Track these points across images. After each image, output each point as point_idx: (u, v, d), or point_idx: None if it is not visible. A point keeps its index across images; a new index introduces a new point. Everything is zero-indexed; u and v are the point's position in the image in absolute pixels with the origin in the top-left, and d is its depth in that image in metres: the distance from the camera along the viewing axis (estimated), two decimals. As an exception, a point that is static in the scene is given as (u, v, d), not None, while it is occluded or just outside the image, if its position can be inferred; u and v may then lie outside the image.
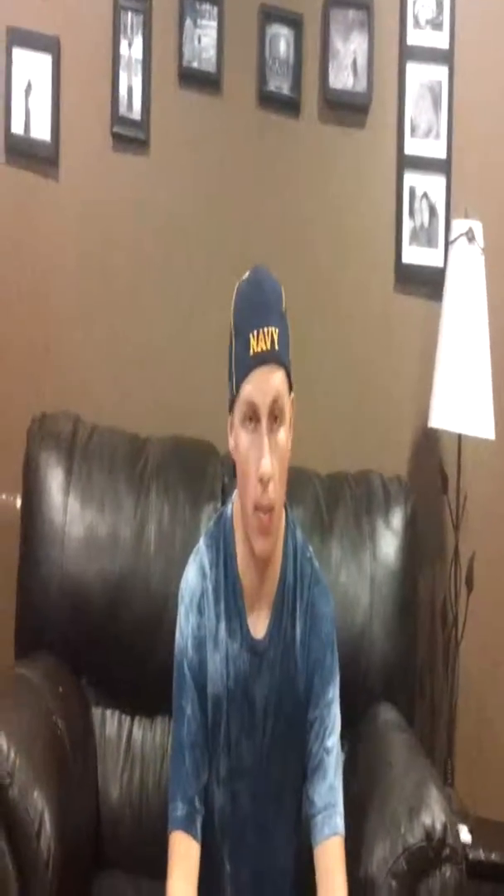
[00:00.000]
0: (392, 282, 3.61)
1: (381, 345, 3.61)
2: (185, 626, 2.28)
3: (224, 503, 2.98)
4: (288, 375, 2.21)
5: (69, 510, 3.09)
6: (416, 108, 3.59)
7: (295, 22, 3.57)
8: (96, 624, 3.04)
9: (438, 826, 2.32)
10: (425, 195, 3.58)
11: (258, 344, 2.14)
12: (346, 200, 3.61)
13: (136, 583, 3.05)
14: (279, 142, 3.60)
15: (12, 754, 2.39)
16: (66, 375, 3.56)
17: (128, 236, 3.61)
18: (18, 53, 3.54)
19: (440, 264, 3.53)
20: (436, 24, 3.59)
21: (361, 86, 3.58)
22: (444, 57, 3.60)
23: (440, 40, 3.59)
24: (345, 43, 3.57)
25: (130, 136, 3.58)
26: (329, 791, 2.25)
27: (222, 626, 2.28)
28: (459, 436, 3.39)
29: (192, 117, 3.60)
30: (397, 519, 3.17)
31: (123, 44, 3.53)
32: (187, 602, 2.29)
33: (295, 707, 2.30)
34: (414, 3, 3.58)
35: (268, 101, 3.58)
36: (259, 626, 2.31)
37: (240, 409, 2.17)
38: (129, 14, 3.53)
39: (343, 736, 2.57)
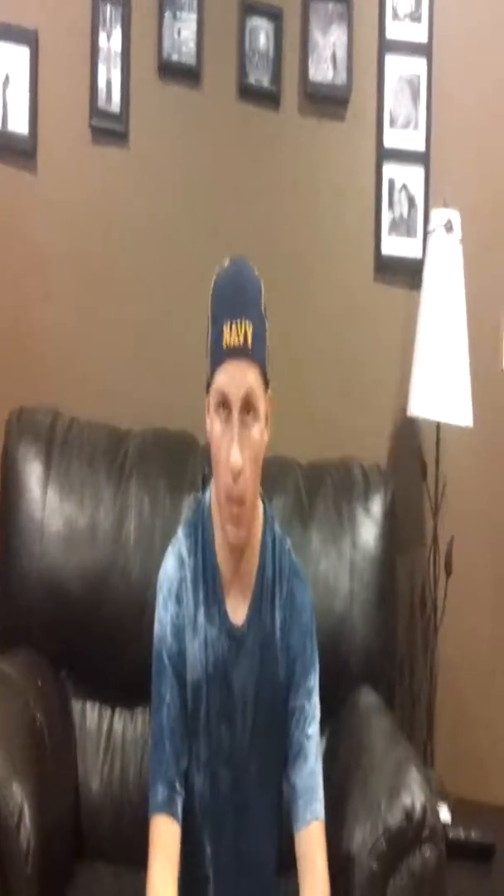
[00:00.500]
0: (372, 272, 3.63)
1: (360, 335, 3.62)
2: (163, 615, 2.28)
3: (204, 492, 3.02)
4: (263, 373, 2.19)
5: (48, 504, 3.08)
6: (396, 100, 3.60)
7: (274, 15, 3.57)
8: (76, 617, 3.03)
9: (418, 806, 2.33)
10: (404, 186, 3.59)
11: (231, 337, 2.13)
12: (326, 192, 3.62)
13: (116, 575, 3.04)
14: (259, 134, 3.61)
15: (-10, 749, 2.43)
16: (44, 369, 3.55)
17: (107, 230, 3.60)
18: (-4, 46, 3.54)
19: (419, 255, 3.54)
20: (414, 17, 3.61)
21: (341, 78, 3.59)
22: (422, 49, 3.61)
23: (419, 33, 3.61)
24: (324, 36, 3.58)
25: (109, 129, 3.56)
26: (310, 776, 2.26)
27: (201, 611, 2.28)
28: (438, 424, 3.41)
29: (172, 110, 3.60)
30: (377, 506, 3.18)
31: (102, 36, 3.52)
32: (165, 591, 2.29)
33: (274, 694, 2.31)
34: (393, -4, 3.61)
35: (247, 93, 3.58)
36: (238, 612, 2.31)
37: (213, 395, 2.17)
38: (108, 6, 3.52)
39: (324, 720, 2.59)
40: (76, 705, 3.09)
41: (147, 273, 3.60)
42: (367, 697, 2.98)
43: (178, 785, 2.20)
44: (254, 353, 2.15)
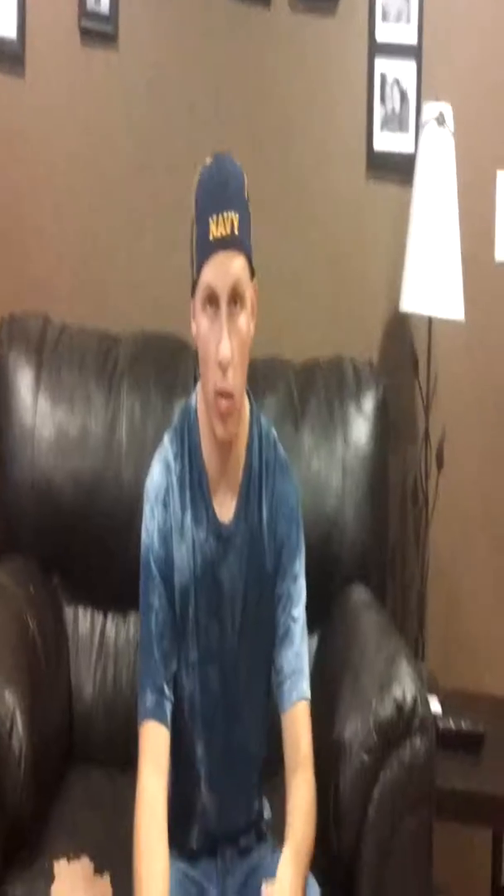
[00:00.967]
0: (364, 168, 3.59)
1: (353, 232, 3.60)
2: (150, 522, 2.27)
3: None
4: (249, 262, 2.17)
5: (39, 410, 3.08)
6: (388, -7, 3.55)
7: None
8: (68, 523, 3.06)
9: (409, 698, 2.37)
10: (396, 81, 3.53)
11: (218, 229, 2.10)
12: (318, 89, 3.58)
13: (108, 480, 3.06)
14: (249, 31, 3.55)
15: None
16: (34, 275, 3.53)
17: (97, 132, 3.57)
18: None
19: (411, 149, 3.49)
20: None
21: (331, -28, 3.52)
22: None
23: None
24: None
25: (99, 31, 3.52)
26: (295, 657, 2.27)
27: (188, 515, 2.28)
28: (430, 318, 3.39)
29: (162, 9, 3.55)
30: (368, 403, 3.19)
31: None
32: (152, 499, 2.28)
33: (262, 587, 2.31)
34: None
35: (237, -10, 3.52)
36: (225, 510, 2.30)
37: (200, 293, 2.14)
38: None
39: (316, 618, 2.63)
40: (68, 611, 3.13)
41: (137, 174, 3.58)
42: (359, 594, 3.02)
43: (167, 690, 2.22)
44: (240, 240, 2.13)
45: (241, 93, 3.58)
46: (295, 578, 2.32)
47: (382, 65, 3.55)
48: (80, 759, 2.98)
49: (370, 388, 3.23)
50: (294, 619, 2.30)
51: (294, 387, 3.21)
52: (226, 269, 2.11)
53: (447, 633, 3.58)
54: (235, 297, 2.13)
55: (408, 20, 3.54)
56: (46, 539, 3.08)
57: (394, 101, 3.56)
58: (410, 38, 3.55)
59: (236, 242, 2.12)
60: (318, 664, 2.90)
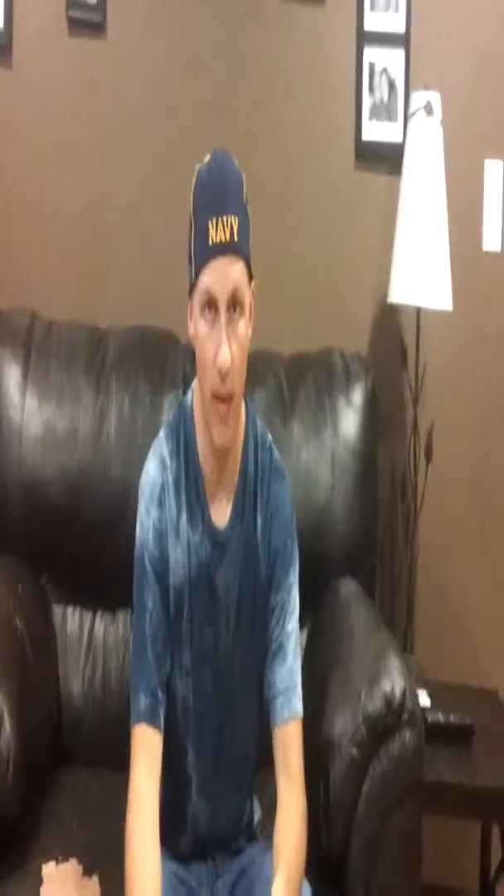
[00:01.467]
0: (352, 158, 3.58)
1: (341, 222, 3.59)
2: (145, 519, 2.25)
3: (185, 392, 3.03)
4: (248, 266, 2.15)
5: (27, 407, 3.07)
6: (376, -19, 3.52)
7: None
8: (56, 521, 3.04)
9: (398, 692, 2.37)
10: (385, 70, 3.52)
11: (217, 233, 2.08)
12: (307, 78, 3.57)
13: (97, 477, 3.05)
14: (239, 20, 3.55)
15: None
16: (21, 270, 3.52)
17: (85, 123, 3.56)
18: None
19: (399, 139, 3.48)
20: None
21: (320, -40, 3.50)
22: None
23: None
24: None
25: (87, 20, 3.51)
26: (289, 674, 2.27)
27: (183, 516, 2.26)
28: (418, 309, 3.39)
29: (150, -1, 3.53)
30: (358, 395, 3.19)
31: None
32: (147, 496, 2.26)
33: (256, 594, 2.30)
34: None
35: (226, -22, 3.50)
36: (220, 515, 2.29)
37: (199, 297, 2.12)
38: None
39: (305, 611, 2.61)
40: (57, 610, 3.11)
41: (126, 166, 3.57)
42: (348, 587, 3.02)
43: (160, 693, 2.20)
44: (239, 246, 2.11)
45: (230, 82, 3.56)
46: (289, 590, 2.32)
47: (371, 54, 3.54)
48: (69, 760, 2.96)
49: (359, 379, 3.22)
50: (287, 635, 2.30)
51: (283, 379, 3.21)
52: (225, 275, 2.09)
53: (436, 625, 3.58)
54: (234, 303, 2.11)
55: (396, 9, 3.53)
56: (34, 537, 3.06)
57: (382, 90, 3.55)
58: (399, 28, 3.54)
59: (235, 248, 2.11)
60: (307, 657, 2.87)
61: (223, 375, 2.12)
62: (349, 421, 3.17)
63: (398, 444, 3.58)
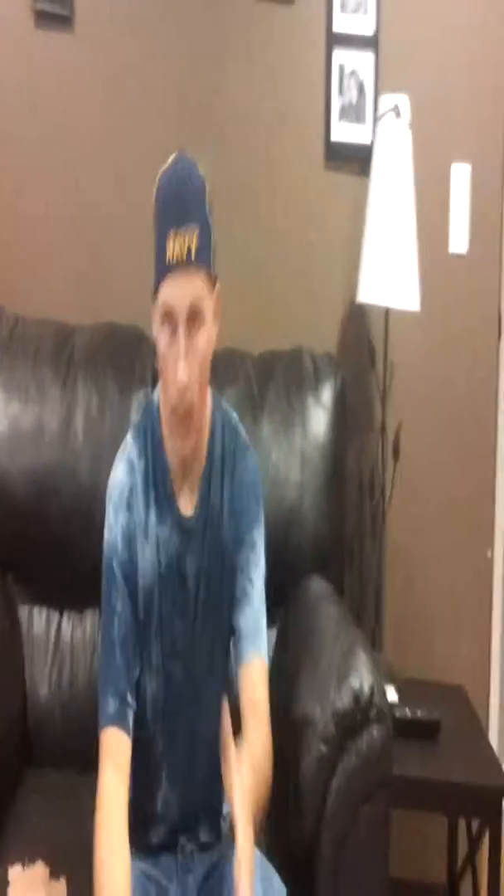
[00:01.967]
0: (322, 159, 3.59)
1: (311, 223, 3.59)
2: (113, 523, 2.25)
3: (154, 389, 3.02)
4: (209, 274, 2.13)
5: (-8, 405, 3.04)
6: (345, -17, 3.52)
7: None
8: (22, 520, 3.01)
9: (366, 688, 2.38)
10: (354, 72, 3.53)
11: (174, 249, 2.07)
12: (276, 79, 3.57)
13: (64, 475, 3.02)
14: (209, 18, 3.54)
15: None
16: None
17: (52, 117, 3.54)
18: None
19: (369, 141, 3.48)
20: None
21: (289, -38, 3.49)
22: None
23: None
24: None
25: (54, 13, 3.49)
26: (253, 617, 2.28)
27: (152, 513, 2.27)
28: (387, 310, 3.40)
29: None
30: (327, 395, 3.19)
31: None
32: (116, 499, 2.26)
33: (223, 578, 2.31)
34: None
35: (196, -24, 3.48)
36: (188, 504, 2.30)
37: (158, 309, 2.12)
38: None
39: (275, 609, 2.62)
40: (23, 610, 3.07)
41: (94, 163, 3.55)
42: (317, 585, 3.02)
43: (129, 696, 2.20)
44: (198, 261, 2.09)
45: (199, 81, 3.56)
46: (253, 546, 2.33)
47: (340, 56, 3.54)
48: (36, 762, 2.94)
49: (328, 379, 3.22)
50: (251, 582, 2.31)
51: (253, 379, 3.20)
52: (182, 292, 2.08)
53: (404, 623, 3.58)
54: (193, 316, 2.10)
55: (365, 11, 3.54)
56: (-1, 536, 3.03)
57: (351, 92, 3.55)
58: (368, 30, 3.55)
59: (192, 262, 2.09)
60: (276, 655, 2.90)
61: (181, 394, 2.13)
62: (318, 420, 3.17)
63: (366, 442, 3.60)
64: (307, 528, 3.09)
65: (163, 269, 2.09)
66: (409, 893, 3.41)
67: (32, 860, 2.45)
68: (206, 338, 2.15)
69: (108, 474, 2.31)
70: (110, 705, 2.19)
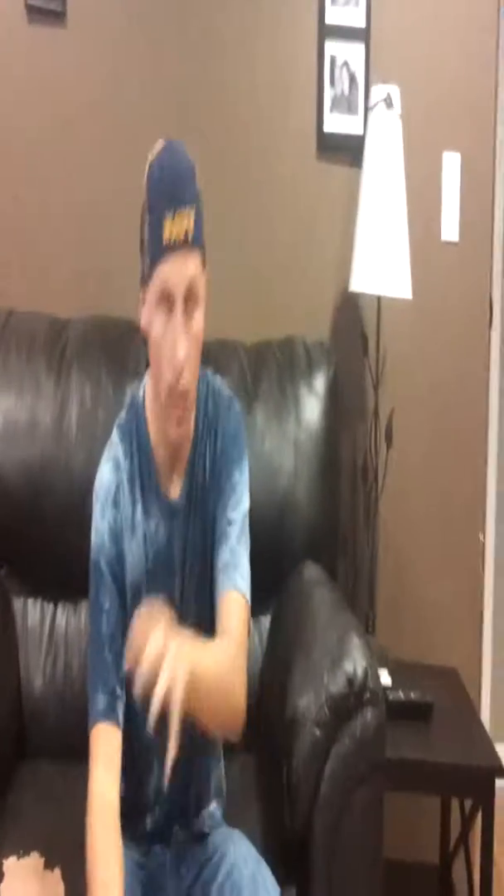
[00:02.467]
0: (314, 150, 3.58)
1: (303, 213, 3.58)
2: (100, 522, 2.25)
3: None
4: (203, 255, 2.15)
5: (-15, 398, 3.02)
6: (336, -25, 3.51)
7: None
8: (16, 513, 2.99)
9: (360, 672, 2.38)
10: (346, 63, 3.52)
11: (173, 230, 2.07)
12: (269, 70, 3.56)
13: (58, 467, 3.00)
14: (201, 11, 3.52)
15: None
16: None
17: (45, 112, 3.52)
18: None
19: (360, 132, 3.49)
20: None
21: (282, -46, 3.48)
22: None
23: None
24: None
25: (47, 8, 3.47)
26: (231, 553, 2.24)
27: (139, 508, 2.26)
28: (379, 298, 3.40)
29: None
30: (320, 383, 3.19)
31: None
32: (102, 499, 2.26)
33: (206, 555, 2.29)
34: None
35: (187, -32, 3.47)
36: (174, 488, 2.29)
37: (154, 291, 2.11)
38: None
39: (269, 595, 2.63)
40: (17, 602, 3.06)
41: (86, 156, 3.54)
42: (311, 571, 3.02)
43: (118, 690, 2.19)
44: (194, 241, 2.10)
45: (192, 73, 3.54)
46: (234, 486, 2.30)
47: (332, 47, 3.53)
48: (30, 754, 2.93)
49: (321, 367, 3.23)
50: (230, 521, 2.27)
51: (246, 367, 3.20)
52: (181, 271, 2.08)
53: (396, 607, 3.59)
54: (190, 296, 2.11)
55: (356, 3, 3.52)
56: (-7, 529, 3.01)
57: (343, 83, 3.55)
58: (359, 22, 3.53)
59: (191, 242, 2.10)
60: (270, 641, 2.95)
61: (179, 372, 2.12)
62: (311, 408, 3.17)
63: (359, 430, 3.60)
64: (301, 515, 3.08)
65: (159, 251, 2.09)
66: (403, 874, 3.41)
67: (27, 851, 2.44)
68: (200, 318, 2.16)
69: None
70: (100, 701, 2.18)
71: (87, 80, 3.54)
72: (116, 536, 2.25)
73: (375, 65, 3.56)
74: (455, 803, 3.38)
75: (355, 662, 2.42)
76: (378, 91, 3.36)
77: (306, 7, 3.55)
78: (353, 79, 3.55)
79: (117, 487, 2.26)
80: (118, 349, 3.17)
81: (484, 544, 3.70)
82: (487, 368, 3.72)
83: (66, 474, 3.01)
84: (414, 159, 3.43)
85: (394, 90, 3.34)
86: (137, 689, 1.83)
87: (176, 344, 2.10)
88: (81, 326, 3.23)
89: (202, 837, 2.33)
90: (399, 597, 3.61)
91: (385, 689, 2.69)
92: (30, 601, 3.08)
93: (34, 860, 2.43)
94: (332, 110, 3.57)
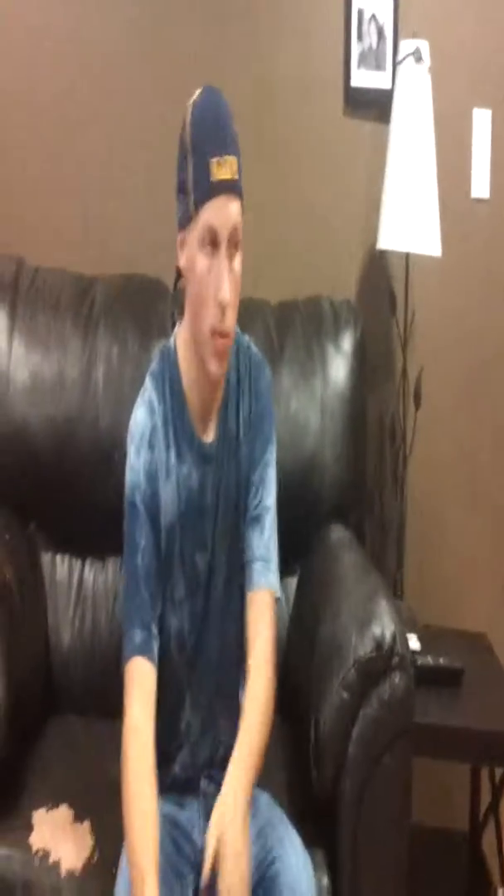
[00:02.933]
0: (341, 106, 3.53)
1: (330, 169, 3.54)
2: (136, 461, 2.25)
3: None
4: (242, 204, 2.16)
5: (13, 354, 3.02)
6: None
7: None
8: (44, 469, 3.00)
9: (388, 636, 2.35)
10: (373, 17, 3.46)
11: (221, 171, 2.09)
12: (295, 25, 3.50)
13: (85, 424, 3.01)
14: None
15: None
16: (7, 218, 3.47)
17: (64, 65, 3.49)
18: None
19: (388, 87, 3.42)
20: None
21: None
22: None
23: None
24: None
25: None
26: (265, 547, 2.29)
27: (172, 453, 2.27)
28: (407, 255, 3.35)
29: None
30: (347, 342, 3.16)
31: None
32: (137, 439, 2.27)
33: (239, 503, 2.32)
34: None
35: None
36: (207, 434, 2.31)
37: (198, 232, 2.12)
38: None
39: (295, 557, 2.60)
40: (45, 558, 3.07)
41: (109, 112, 3.51)
42: (338, 533, 3.00)
43: (153, 628, 2.20)
44: (239, 186, 2.14)
45: (218, 28, 3.50)
46: (266, 466, 2.34)
47: (359, 1, 3.47)
48: (58, 707, 2.94)
49: (348, 326, 3.20)
50: (266, 508, 2.32)
51: (272, 327, 3.17)
52: (227, 213, 2.11)
53: (425, 570, 3.56)
54: (233, 240, 2.13)
55: (384, -45, 3.47)
56: (22, 485, 3.02)
57: (371, 37, 3.49)
58: (387, -27, 3.47)
59: (236, 187, 2.12)
60: (297, 602, 2.92)
61: (223, 310, 2.14)
62: (338, 368, 3.14)
63: (387, 390, 3.55)
64: (327, 476, 3.06)
65: (208, 190, 2.10)
66: (431, 840, 3.39)
67: (56, 804, 2.46)
68: (240, 263, 2.18)
69: (127, 423, 2.30)
70: (137, 636, 2.18)
71: (111, 34, 3.50)
72: (152, 476, 2.25)
73: (404, 18, 3.49)
74: (485, 771, 3.34)
75: (384, 626, 2.39)
76: (407, 45, 3.29)
77: (333, -40, 3.48)
78: (381, 33, 3.48)
79: (152, 430, 2.27)
80: (144, 307, 3.15)
81: (514, 507, 3.65)
82: (518, 326, 3.65)
83: (92, 431, 3.01)
84: (443, 115, 3.36)
85: (423, 44, 3.28)
86: None
87: (221, 283, 2.13)
88: (107, 284, 3.21)
89: None
90: (427, 560, 3.57)
91: (414, 653, 2.65)
92: (58, 556, 3.09)
93: (63, 812, 2.44)
94: (359, 65, 3.50)
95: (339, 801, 2.34)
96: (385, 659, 2.35)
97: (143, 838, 2.02)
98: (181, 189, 2.17)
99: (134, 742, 2.11)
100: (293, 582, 2.99)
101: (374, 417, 3.47)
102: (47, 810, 2.44)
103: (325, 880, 2.32)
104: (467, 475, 3.63)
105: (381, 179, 3.34)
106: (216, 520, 2.31)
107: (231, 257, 2.14)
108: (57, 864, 2.32)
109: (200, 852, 2.17)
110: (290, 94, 3.54)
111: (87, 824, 2.40)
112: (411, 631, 3.04)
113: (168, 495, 2.27)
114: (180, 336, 2.31)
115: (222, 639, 2.33)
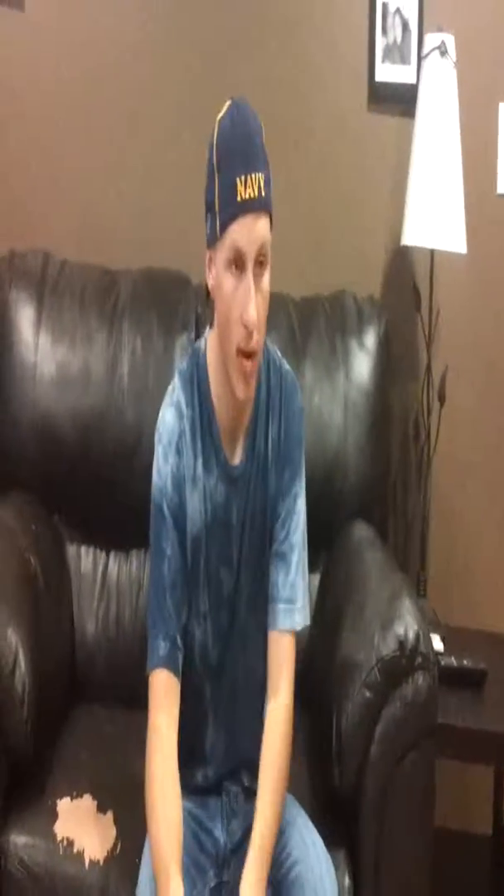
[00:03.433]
0: (366, 100, 3.51)
1: (354, 164, 3.52)
2: (163, 466, 2.24)
3: (198, 335, 2.97)
4: (271, 218, 2.14)
5: (40, 347, 3.04)
6: None
7: None
8: (69, 460, 3.02)
9: (411, 635, 2.35)
10: (398, 11, 3.44)
11: (246, 190, 2.07)
12: (320, 18, 3.49)
13: (110, 417, 3.03)
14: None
15: (-17, 594, 2.42)
16: (34, 212, 3.48)
17: (97, 62, 3.50)
18: None
19: (413, 81, 3.40)
20: None
21: None
22: None
23: None
24: None
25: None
26: (291, 587, 2.26)
27: (199, 462, 2.26)
28: (432, 252, 3.34)
29: None
30: (370, 339, 3.16)
31: None
32: (165, 443, 2.25)
33: (265, 525, 2.30)
34: None
35: None
36: (235, 453, 2.28)
37: (224, 252, 2.10)
38: None
39: (318, 554, 2.59)
40: (70, 549, 3.09)
41: (136, 107, 3.51)
42: (361, 530, 3.00)
43: (178, 639, 2.20)
44: (266, 202, 2.11)
45: (243, 22, 3.49)
46: (295, 498, 2.31)
47: (384, -6, 3.46)
48: (82, 698, 2.95)
49: (372, 323, 3.19)
50: (292, 546, 2.29)
51: (295, 322, 3.17)
52: (253, 232, 2.08)
53: (449, 570, 3.55)
54: (261, 258, 2.11)
55: None
56: (48, 477, 3.04)
57: (395, 31, 3.47)
58: (412, -33, 3.46)
59: (263, 204, 2.10)
60: (320, 601, 2.91)
61: (249, 332, 2.11)
62: (362, 364, 3.13)
63: (411, 387, 3.54)
64: (350, 473, 3.06)
65: (233, 209, 2.08)
66: (454, 843, 3.37)
67: (80, 794, 2.48)
68: (268, 280, 2.16)
69: (152, 417, 2.30)
70: (161, 647, 2.18)
71: (137, 28, 3.51)
72: (179, 483, 2.24)
73: (429, 12, 3.46)
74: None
75: (407, 625, 2.39)
76: (432, 39, 3.28)
77: (358, -47, 3.46)
78: (405, 26, 3.46)
79: (180, 435, 2.26)
80: (169, 301, 3.17)
81: (539, 506, 3.63)
82: (544, 324, 3.63)
83: (117, 423, 3.03)
84: (469, 110, 3.33)
85: (448, 38, 3.26)
86: None
87: (247, 304, 2.10)
88: (133, 278, 3.22)
89: (253, 794, 2.29)
90: (451, 559, 3.56)
91: (437, 654, 2.63)
92: (83, 548, 3.12)
93: (87, 802, 2.47)
94: (384, 59, 3.48)
95: (361, 800, 2.35)
96: (408, 659, 2.36)
97: (168, 838, 2.04)
98: (209, 208, 2.15)
99: (157, 744, 2.13)
100: (316, 579, 2.97)
101: (397, 414, 3.46)
102: (71, 800, 2.47)
103: (347, 881, 2.33)
104: (492, 474, 3.61)
105: (405, 175, 3.32)
106: (241, 541, 2.30)
107: (259, 276, 2.12)
108: (81, 854, 2.35)
109: (221, 848, 2.23)
110: (314, 89, 3.53)
111: (110, 815, 2.44)
112: (435, 631, 3.03)
113: (194, 505, 2.26)
114: (210, 342, 2.30)
115: (245, 657, 2.33)
